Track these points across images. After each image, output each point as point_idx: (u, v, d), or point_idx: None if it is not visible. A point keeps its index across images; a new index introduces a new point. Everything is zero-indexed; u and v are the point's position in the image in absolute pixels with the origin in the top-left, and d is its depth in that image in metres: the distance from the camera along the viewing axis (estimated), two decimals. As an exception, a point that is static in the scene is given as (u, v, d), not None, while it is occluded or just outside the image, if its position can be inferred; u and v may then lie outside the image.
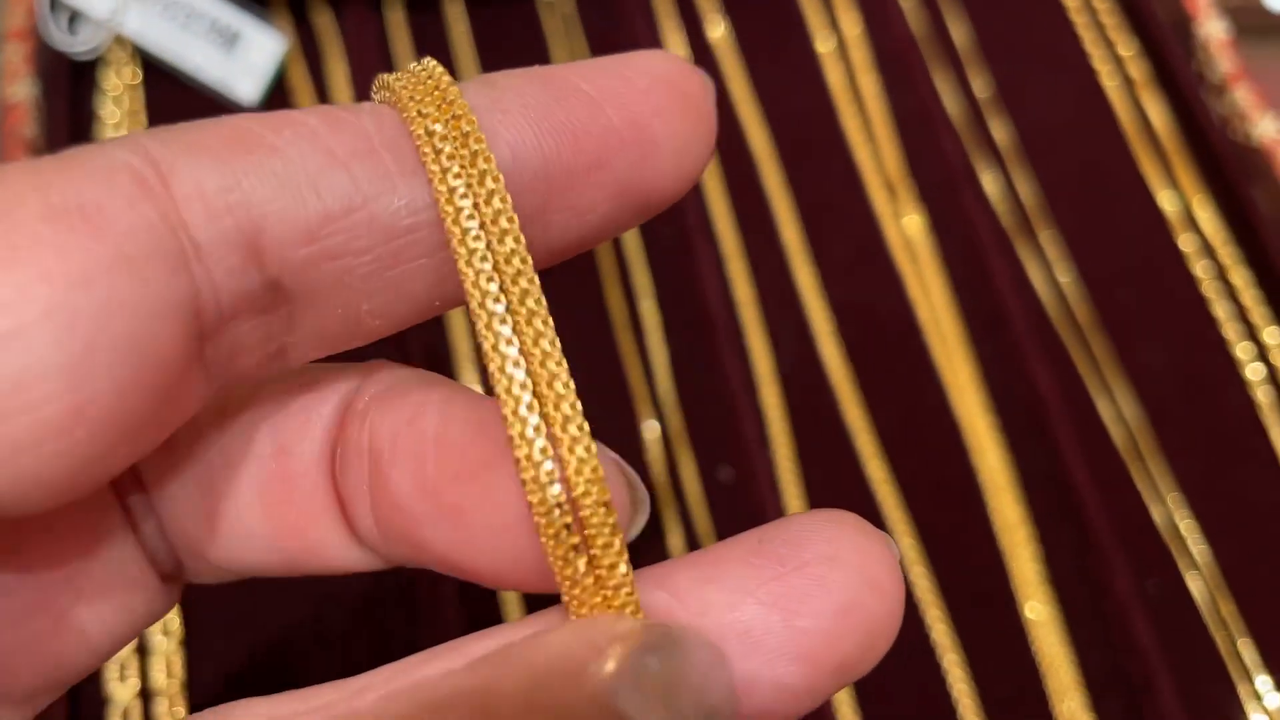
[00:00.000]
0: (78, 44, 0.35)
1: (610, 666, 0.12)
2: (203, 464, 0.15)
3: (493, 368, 0.13)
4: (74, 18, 0.35)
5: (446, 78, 0.13)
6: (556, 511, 0.12)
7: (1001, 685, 0.30)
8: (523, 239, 0.13)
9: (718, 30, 0.39)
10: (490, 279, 0.13)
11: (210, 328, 0.12)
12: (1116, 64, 0.39)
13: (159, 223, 0.12)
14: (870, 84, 0.38)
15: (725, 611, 0.14)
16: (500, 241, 0.13)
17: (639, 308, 0.34)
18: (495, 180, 0.13)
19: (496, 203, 0.13)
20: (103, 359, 0.11)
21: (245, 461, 0.15)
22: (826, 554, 0.14)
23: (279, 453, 0.15)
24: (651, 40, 0.38)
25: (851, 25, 0.39)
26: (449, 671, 0.12)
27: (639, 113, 0.14)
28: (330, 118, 0.13)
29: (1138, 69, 0.39)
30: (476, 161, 0.13)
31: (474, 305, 0.13)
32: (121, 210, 0.12)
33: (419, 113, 0.13)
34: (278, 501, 0.15)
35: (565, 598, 0.13)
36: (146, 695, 0.29)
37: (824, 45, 0.38)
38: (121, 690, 0.28)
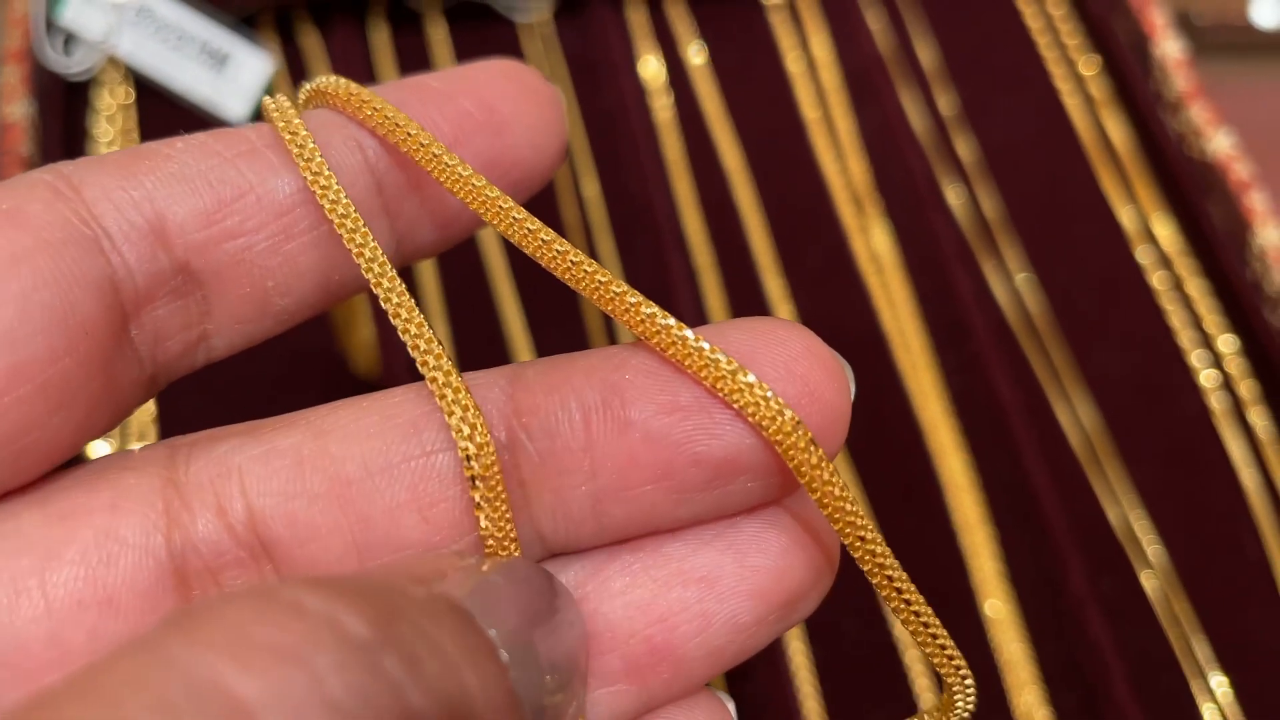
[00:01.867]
0: (73, 65, 0.37)
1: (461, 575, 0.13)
2: None
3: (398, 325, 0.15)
4: (69, 39, 0.37)
5: (332, 88, 0.17)
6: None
7: (961, 680, 0.31)
8: (359, 222, 0.16)
9: (692, 51, 0.40)
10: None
11: (132, 305, 0.15)
12: (1078, 83, 0.40)
13: (72, 217, 0.14)
14: (839, 102, 0.39)
15: (685, 558, 0.15)
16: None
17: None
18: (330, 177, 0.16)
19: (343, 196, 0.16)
20: (34, 325, 0.14)
21: None
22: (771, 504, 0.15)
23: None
24: (628, 61, 0.39)
25: (821, 46, 0.40)
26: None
27: (486, 98, 0.16)
28: (218, 133, 0.16)
29: (1098, 88, 0.40)
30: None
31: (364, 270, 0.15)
32: (40, 210, 0.14)
33: (286, 120, 0.16)
34: None
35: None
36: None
37: (795, 65, 0.40)
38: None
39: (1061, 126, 0.39)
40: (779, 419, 0.14)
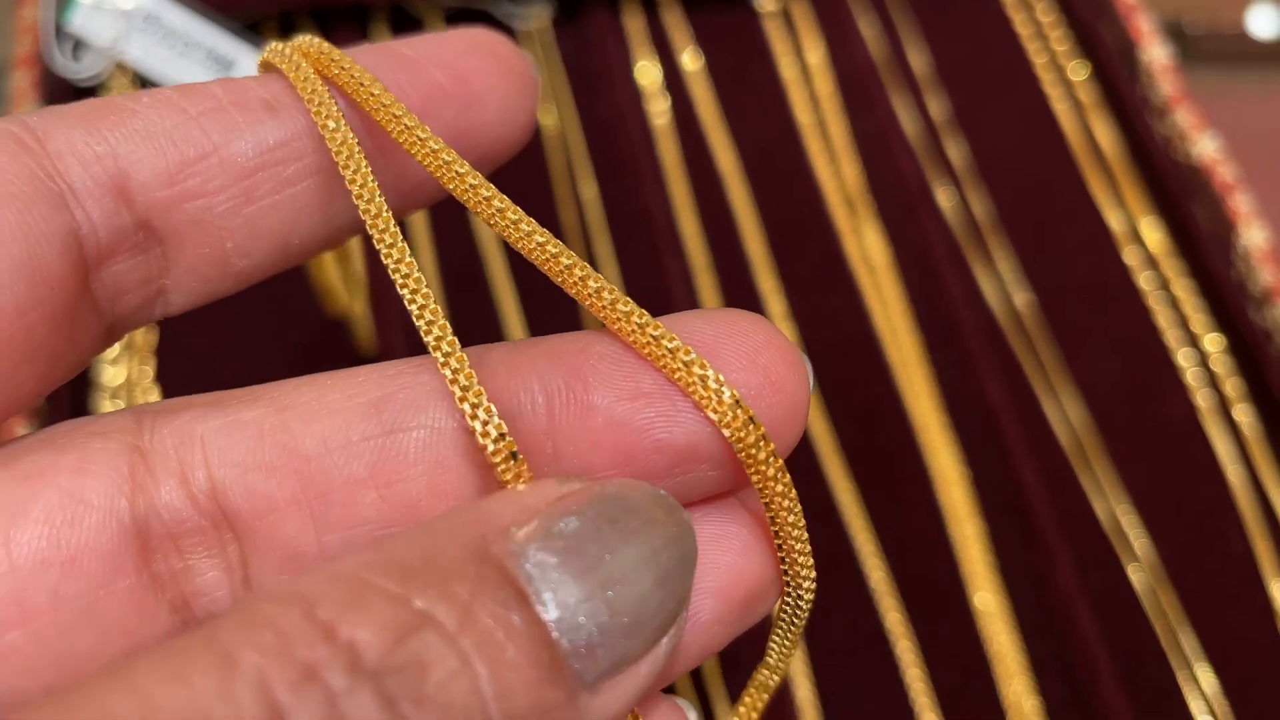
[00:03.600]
0: (81, 70, 0.37)
1: (514, 534, 0.13)
2: None
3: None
4: (78, 45, 0.37)
5: (316, 47, 0.17)
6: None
7: (951, 671, 0.31)
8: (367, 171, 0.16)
9: (688, 57, 0.41)
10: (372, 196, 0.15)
11: (94, 260, 0.15)
12: (1066, 88, 0.41)
13: (37, 170, 0.14)
14: (832, 108, 0.40)
15: None
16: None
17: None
18: (338, 120, 0.16)
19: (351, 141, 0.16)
20: (2, 281, 0.14)
21: None
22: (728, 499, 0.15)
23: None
24: (625, 67, 0.40)
25: (815, 52, 0.41)
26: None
27: (459, 70, 0.16)
28: (184, 88, 0.16)
29: (1086, 92, 0.41)
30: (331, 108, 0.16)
31: (368, 224, 0.15)
32: (6, 163, 0.14)
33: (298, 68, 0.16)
34: None
35: None
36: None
37: (789, 71, 0.41)
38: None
39: (1050, 131, 0.40)
40: (732, 413, 0.14)
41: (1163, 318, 0.37)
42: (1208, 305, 0.37)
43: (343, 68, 0.16)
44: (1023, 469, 0.33)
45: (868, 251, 0.37)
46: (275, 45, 0.17)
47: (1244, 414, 0.35)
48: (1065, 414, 0.35)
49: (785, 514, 0.15)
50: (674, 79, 0.40)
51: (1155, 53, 0.40)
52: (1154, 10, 0.44)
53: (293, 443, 0.15)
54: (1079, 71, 0.41)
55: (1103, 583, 0.32)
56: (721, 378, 0.14)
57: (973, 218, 0.38)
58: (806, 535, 0.15)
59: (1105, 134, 0.40)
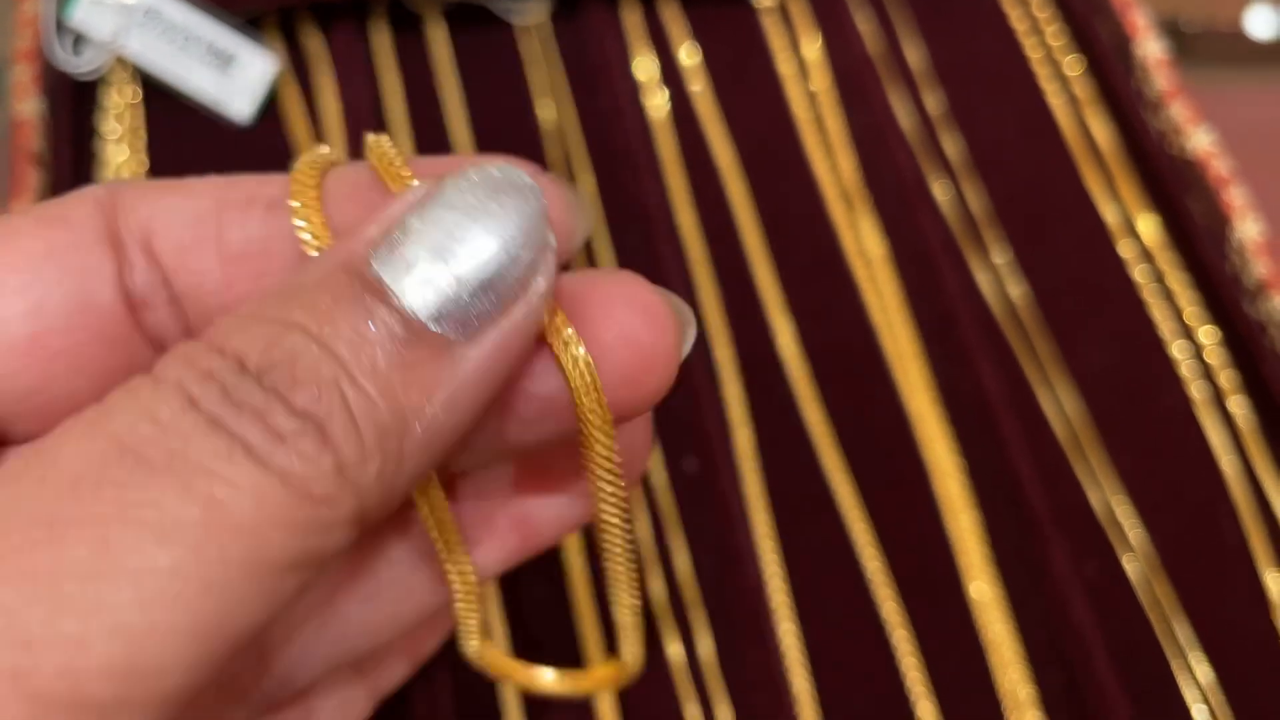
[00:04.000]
0: (82, 65, 0.37)
1: (370, 242, 0.15)
2: None
3: None
4: (78, 40, 0.38)
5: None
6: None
7: (948, 659, 0.31)
8: None
9: (686, 52, 0.41)
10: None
11: (139, 302, 0.18)
12: (1062, 83, 0.41)
13: (104, 225, 0.18)
14: (829, 102, 0.40)
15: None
16: None
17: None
18: None
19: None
20: (57, 301, 0.17)
21: None
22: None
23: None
24: (623, 62, 0.40)
25: (812, 47, 0.41)
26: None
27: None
28: (234, 182, 0.18)
29: (1082, 88, 0.41)
30: None
31: None
32: (83, 216, 0.18)
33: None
34: None
35: None
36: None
37: (786, 66, 0.41)
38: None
39: (1046, 125, 0.40)
40: (578, 370, 0.16)
41: (1158, 310, 0.37)
42: (1203, 298, 0.37)
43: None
44: (1018, 460, 0.33)
45: (864, 245, 0.38)
46: (377, 141, 0.18)
47: (1238, 406, 0.35)
48: (1061, 406, 0.35)
49: (606, 480, 0.17)
50: (671, 74, 0.40)
51: (1150, 47, 0.40)
52: (1151, 8, 0.44)
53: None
54: (1074, 67, 0.41)
55: (1098, 573, 0.33)
56: (574, 337, 0.16)
57: (969, 212, 0.38)
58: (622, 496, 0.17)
59: (1101, 128, 0.40)
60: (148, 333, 0.18)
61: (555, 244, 0.16)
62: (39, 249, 0.17)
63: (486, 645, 0.21)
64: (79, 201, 0.18)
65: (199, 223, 0.18)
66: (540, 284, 0.15)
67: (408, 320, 0.15)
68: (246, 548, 0.14)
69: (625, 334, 0.16)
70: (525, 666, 0.23)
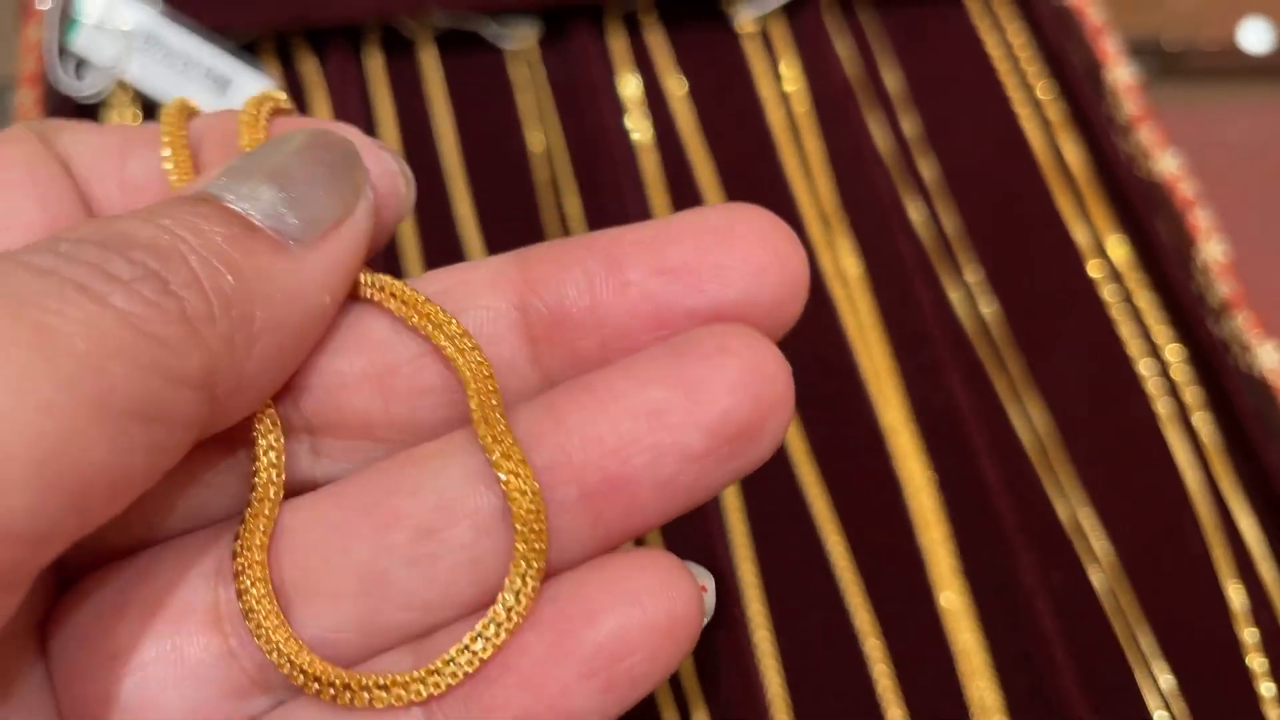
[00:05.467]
0: (84, 88, 0.39)
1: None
2: None
3: None
4: (80, 64, 0.39)
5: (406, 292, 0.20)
6: None
7: (917, 667, 0.32)
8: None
9: (670, 76, 0.42)
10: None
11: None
12: (1035, 107, 0.42)
13: (47, 151, 0.19)
14: (808, 125, 0.41)
15: (635, 394, 0.17)
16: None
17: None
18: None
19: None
20: (56, 199, 0.19)
21: None
22: (719, 347, 0.17)
23: None
24: (608, 85, 0.41)
25: (792, 71, 0.42)
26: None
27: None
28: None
29: (1054, 111, 0.42)
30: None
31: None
32: (31, 145, 0.19)
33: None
34: None
35: None
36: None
37: (766, 90, 0.42)
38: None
39: (1019, 148, 0.41)
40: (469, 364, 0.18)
41: (1125, 329, 0.38)
42: (1169, 317, 0.38)
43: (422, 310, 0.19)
44: (988, 473, 0.34)
45: (841, 264, 0.39)
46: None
47: (1202, 421, 0.36)
48: (1030, 420, 0.36)
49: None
50: (656, 97, 0.42)
51: (1121, 73, 0.41)
52: (1133, 27, 0.45)
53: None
54: (1047, 91, 0.42)
55: (1064, 583, 0.34)
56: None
57: (943, 232, 0.39)
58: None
59: (1072, 151, 0.41)
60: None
61: (370, 194, 0.18)
62: (20, 162, 0.19)
63: None
64: (20, 133, 0.19)
65: (105, 155, 0.19)
66: (363, 209, 0.18)
67: (240, 215, 0.17)
68: (83, 374, 0.14)
69: (779, 256, 0.18)
70: None
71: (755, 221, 0.18)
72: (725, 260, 0.18)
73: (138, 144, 0.20)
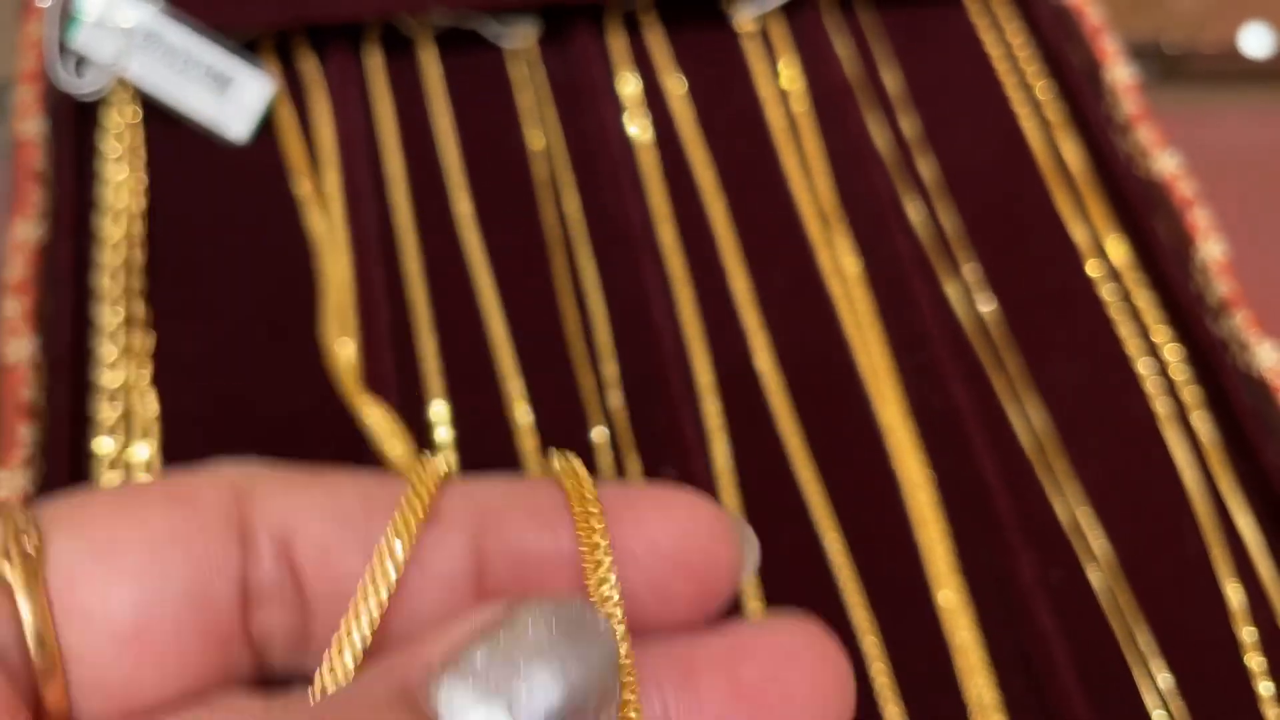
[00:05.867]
0: (84, 86, 0.39)
1: (431, 668, 0.14)
2: None
3: None
4: (80, 62, 0.39)
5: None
6: None
7: (915, 665, 0.32)
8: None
9: (669, 75, 0.42)
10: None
11: (254, 600, 0.17)
12: (1034, 107, 0.42)
13: (235, 512, 0.16)
14: (807, 124, 0.41)
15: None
16: None
17: (591, 324, 0.37)
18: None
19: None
20: (174, 590, 0.16)
21: None
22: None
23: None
24: (608, 84, 0.41)
25: (791, 71, 0.42)
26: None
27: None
28: (383, 479, 0.17)
29: (1053, 111, 0.42)
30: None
31: None
32: (212, 500, 0.16)
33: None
34: None
35: None
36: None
37: (766, 89, 0.42)
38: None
39: (1018, 147, 0.41)
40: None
41: (1124, 328, 0.38)
42: (1167, 316, 0.38)
43: (588, 513, 0.17)
44: (986, 472, 0.35)
45: (840, 263, 0.39)
46: (567, 463, 0.17)
47: (1200, 420, 0.36)
48: (1029, 419, 0.36)
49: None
50: (655, 96, 0.42)
51: (1119, 73, 0.41)
52: (1134, 30, 0.45)
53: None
54: (1046, 91, 0.43)
55: (1062, 581, 0.34)
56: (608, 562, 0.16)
57: (942, 231, 0.40)
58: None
59: (1071, 151, 0.41)
60: (250, 630, 0.16)
61: (620, 693, 0.15)
62: (163, 529, 0.16)
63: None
64: (212, 482, 0.16)
65: (345, 523, 0.16)
66: None
67: None
68: None
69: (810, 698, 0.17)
70: None
71: (819, 648, 0.17)
72: (794, 691, 0.17)
73: (381, 509, 0.16)
